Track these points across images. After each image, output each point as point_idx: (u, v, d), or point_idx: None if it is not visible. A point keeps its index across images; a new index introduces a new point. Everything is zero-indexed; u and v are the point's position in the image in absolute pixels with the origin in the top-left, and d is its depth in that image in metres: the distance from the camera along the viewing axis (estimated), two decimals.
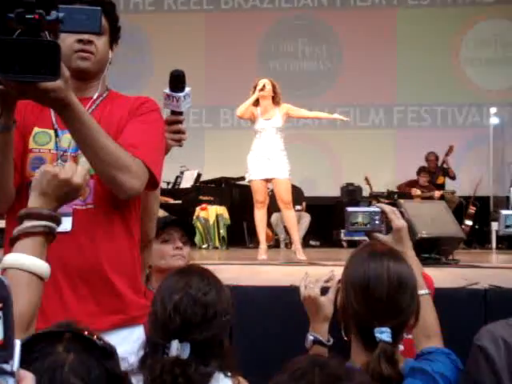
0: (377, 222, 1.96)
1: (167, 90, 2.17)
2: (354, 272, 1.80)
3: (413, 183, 10.48)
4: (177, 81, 2.18)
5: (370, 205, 7.05)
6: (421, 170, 10.54)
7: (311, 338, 2.06)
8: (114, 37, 2.14)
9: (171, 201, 9.26)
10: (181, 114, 2.19)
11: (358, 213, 1.96)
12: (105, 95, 2.15)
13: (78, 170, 1.51)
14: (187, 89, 2.17)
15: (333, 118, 7.21)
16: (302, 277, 2.10)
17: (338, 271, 1.92)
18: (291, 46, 12.04)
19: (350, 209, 1.99)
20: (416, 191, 10.11)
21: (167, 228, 2.90)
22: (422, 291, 1.93)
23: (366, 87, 11.68)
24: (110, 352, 1.21)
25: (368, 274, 1.79)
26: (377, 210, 2.00)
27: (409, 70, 11.68)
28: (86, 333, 1.21)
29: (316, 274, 2.22)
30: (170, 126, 2.20)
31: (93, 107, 2.10)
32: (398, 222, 1.99)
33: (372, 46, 11.72)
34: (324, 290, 2.12)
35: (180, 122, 2.20)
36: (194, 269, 1.93)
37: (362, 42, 11.74)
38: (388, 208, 2.03)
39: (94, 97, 2.15)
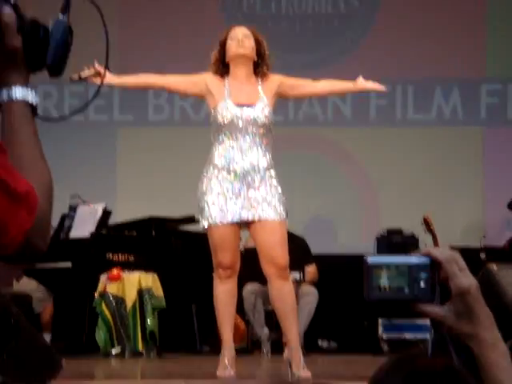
0: (422, 285, 1.48)
1: None
2: None
3: None
4: None
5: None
6: None
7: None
8: None
9: (50, 264, 7.43)
10: None
11: (385, 267, 1.48)
12: None
13: None
14: None
15: (359, 90, 5.49)
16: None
17: None
18: None
19: (371, 259, 1.50)
20: None
21: None
22: None
23: (425, 50, 9.57)
24: None
25: None
26: (422, 260, 1.49)
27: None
28: None
29: None
30: None
31: None
32: (463, 278, 1.49)
33: None
34: None
35: None
36: None
37: None
38: (443, 254, 1.51)
39: None
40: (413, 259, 1.51)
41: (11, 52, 1.49)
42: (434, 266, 1.52)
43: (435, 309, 1.52)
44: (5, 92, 1.50)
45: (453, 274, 1.49)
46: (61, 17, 1.50)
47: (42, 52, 1.47)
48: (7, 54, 1.49)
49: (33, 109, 1.54)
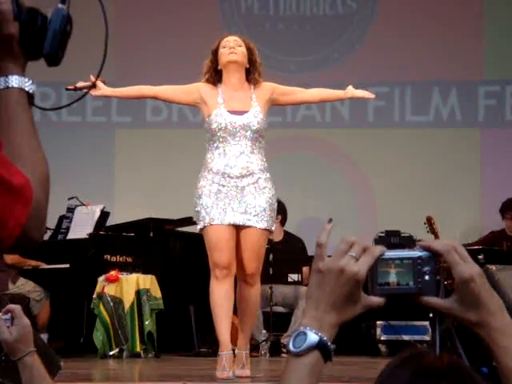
0: (427, 278, 1.45)
1: None
2: None
3: (502, 234, 8.36)
4: None
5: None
6: (508, 207, 8.23)
7: (315, 336, 1.40)
8: None
9: (45, 265, 7.30)
10: None
11: (391, 261, 1.45)
12: None
13: None
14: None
15: (349, 98, 5.46)
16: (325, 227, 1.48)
17: None
18: None
19: None
20: None
21: None
22: None
23: (423, 52, 9.53)
24: None
25: None
26: (425, 253, 1.46)
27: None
28: None
29: None
30: None
31: None
32: (465, 267, 1.43)
33: None
34: None
35: None
36: None
37: None
38: (442, 245, 1.47)
39: None
40: (416, 253, 1.49)
41: (7, 39, 1.46)
42: (436, 258, 1.49)
43: (440, 301, 1.49)
44: (1, 80, 1.46)
45: (454, 263, 1.46)
46: (60, 6, 1.48)
47: (40, 40, 1.44)
48: (3, 42, 1.45)
49: (29, 97, 1.51)
